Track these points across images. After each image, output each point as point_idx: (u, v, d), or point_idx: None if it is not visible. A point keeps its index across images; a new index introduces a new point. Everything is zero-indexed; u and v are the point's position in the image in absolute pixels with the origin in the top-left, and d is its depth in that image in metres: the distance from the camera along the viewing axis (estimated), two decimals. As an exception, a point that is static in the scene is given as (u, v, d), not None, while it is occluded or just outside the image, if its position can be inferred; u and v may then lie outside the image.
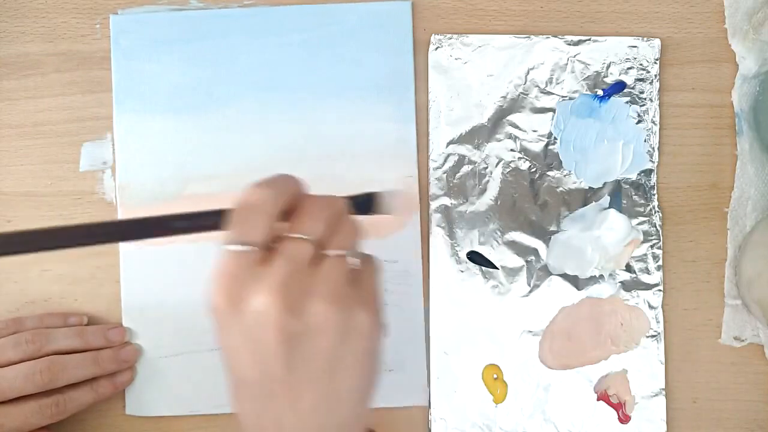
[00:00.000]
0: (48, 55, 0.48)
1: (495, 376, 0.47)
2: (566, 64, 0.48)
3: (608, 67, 0.48)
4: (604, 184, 0.48)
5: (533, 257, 0.48)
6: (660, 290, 0.48)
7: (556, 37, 0.48)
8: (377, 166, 0.48)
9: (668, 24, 0.48)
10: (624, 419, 0.47)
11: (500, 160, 0.48)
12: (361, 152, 0.48)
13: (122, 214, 0.48)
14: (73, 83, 0.48)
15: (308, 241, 0.32)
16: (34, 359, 0.43)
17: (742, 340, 0.48)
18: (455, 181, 0.48)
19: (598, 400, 0.47)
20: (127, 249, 0.48)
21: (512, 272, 0.48)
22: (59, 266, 0.48)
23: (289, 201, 0.32)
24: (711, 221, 0.48)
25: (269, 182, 0.33)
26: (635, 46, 0.48)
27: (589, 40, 0.48)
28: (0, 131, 0.48)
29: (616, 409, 0.47)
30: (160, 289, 0.48)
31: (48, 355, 0.43)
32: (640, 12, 0.48)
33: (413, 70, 0.48)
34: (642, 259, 0.48)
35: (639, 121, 0.48)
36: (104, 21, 0.48)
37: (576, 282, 0.48)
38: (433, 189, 0.48)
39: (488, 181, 0.48)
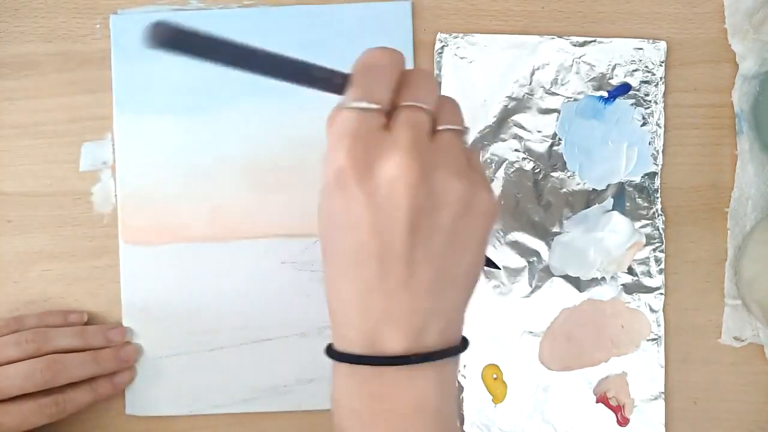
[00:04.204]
0: (48, 55, 0.48)
1: (495, 376, 0.47)
2: (571, 65, 0.48)
3: (613, 68, 0.48)
4: (608, 186, 0.48)
5: (535, 258, 0.48)
6: (661, 294, 0.48)
7: (561, 37, 0.48)
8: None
9: (668, 24, 0.48)
10: (623, 422, 0.47)
11: (504, 160, 0.48)
12: (361, 152, 0.48)
13: (122, 215, 0.48)
14: (73, 83, 0.48)
15: (426, 111, 0.31)
16: (35, 358, 0.43)
17: (742, 340, 0.48)
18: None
19: (597, 402, 0.47)
20: (127, 249, 0.48)
21: (514, 272, 0.48)
22: (59, 266, 0.48)
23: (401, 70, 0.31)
24: (711, 221, 0.48)
25: (385, 48, 0.31)
26: (641, 48, 0.48)
27: (595, 41, 0.48)
28: (0, 131, 0.48)
29: (615, 412, 0.47)
30: (160, 289, 0.48)
31: (48, 354, 0.43)
32: (641, 12, 0.48)
33: (413, 70, 0.48)
34: (644, 262, 0.48)
35: (643, 124, 0.48)
36: (104, 21, 0.48)
37: (577, 284, 0.48)
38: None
39: (492, 181, 0.48)
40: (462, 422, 0.47)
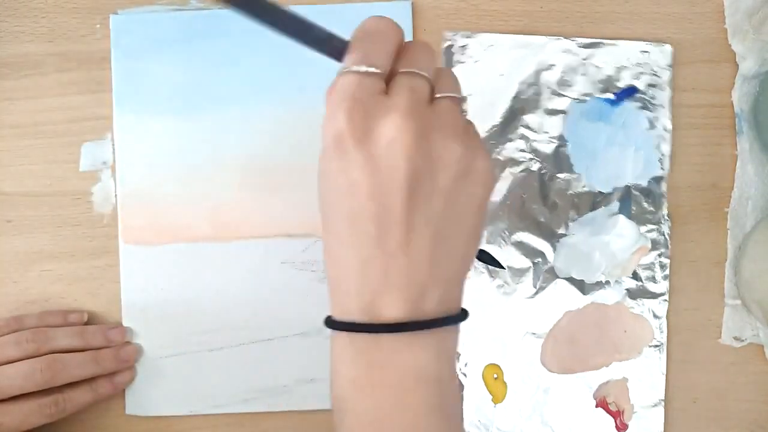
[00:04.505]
0: (48, 55, 0.48)
1: (495, 375, 0.47)
2: (578, 67, 0.48)
3: (620, 71, 0.48)
4: (614, 189, 0.48)
5: (540, 259, 0.48)
6: (665, 300, 0.47)
7: (568, 38, 0.48)
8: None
9: (668, 24, 0.48)
10: (621, 427, 0.47)
11: (511, 159, 0.48)
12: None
13: (122, 215, 0.48)
14: (73, 83, 0.48)
15: (425, 78, 0.31)
16: (34, 358, 0.43)
17: (742, 340, 0.48)
18: (464, 179, 0.48)
19: (596, 406, 0.47)
20: (127, 249, 0.48)
21: (518, 273, 0.48)
22: (59, 266, 0.48)
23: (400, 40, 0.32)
24: (711, 221, 0.48)
25: (385, 17, 0.32)
26: (647, 51, 0.48)
27: (602, 43, 0.48)
28: (0, 131, 0.48)
29: (614, 417, 0.47)
30: (160, 289, 0.48)
31: (48, 353, 0.43)
32: (640, 12, 0.48)
33: (413, 70, 0.48)
34: (649, 267, 0.48)
35: (650, 128, 0.48)
36: (104, 21, 0.48)
37: (582, 286, 0.48)
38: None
39: (498, 181, 0.48)
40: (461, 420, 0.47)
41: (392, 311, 0.30)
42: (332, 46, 0.32)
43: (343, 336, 0.31)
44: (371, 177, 0.29)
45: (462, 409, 0.34)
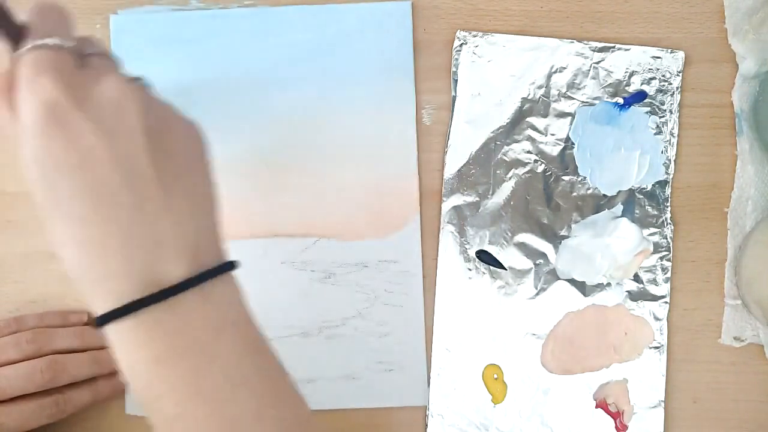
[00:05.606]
0: (48, 55, 0.48)
1: (495, 376, 0.47)
2: (589, 70, 0.48)
3: (630, 75, 0.48)
4: (618, 192, 0.48)
5: (542, 260, 0.48)
6: (666, 302, 0.47)
7: (581, 42, 0.48)
8: (377, 165, 0.48)
9: (668, 24, 0.48)
10: (621, 428, 0.47)
11: (516, 160, 0.48)
12: (362, 152, 0.48)
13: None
14: (73, 83, 0.48)
15: (113, 61, 0.32)
16: (35, 359, 0.43)
17: (742, 340, 0.48)
18: (470, 179, 0.48)
19: (596, 407, 0.47)
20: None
21: (520, 274, 0.48)
22: (59, 266, 0.48)
23: None
24: (711, 221, 0.48)
25: (53, 2, 0.32)
26: (659, 57, 0.48)
27: (614, 47, 0.48)
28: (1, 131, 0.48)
29: (613, 418, 0.47)
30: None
31: (48, 354, 0.43)
32: (640, 12, 0.48)
33: (413, 71, 0.48)
34: (651, 270, 0.48)
35: (657, 132, 0.48)
36: (104, 21, 0.48)
37: (583, 288, 0.48)
38: (447, 186, 0.48)
39: (503, 181, 0.48)
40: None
41: (176, 272, 0.29)
42: (11, 26, 0.31)
43: (126, 324, 0.29)
44: (108, 140, 0.28)
45: (271, 347, 0.33)
